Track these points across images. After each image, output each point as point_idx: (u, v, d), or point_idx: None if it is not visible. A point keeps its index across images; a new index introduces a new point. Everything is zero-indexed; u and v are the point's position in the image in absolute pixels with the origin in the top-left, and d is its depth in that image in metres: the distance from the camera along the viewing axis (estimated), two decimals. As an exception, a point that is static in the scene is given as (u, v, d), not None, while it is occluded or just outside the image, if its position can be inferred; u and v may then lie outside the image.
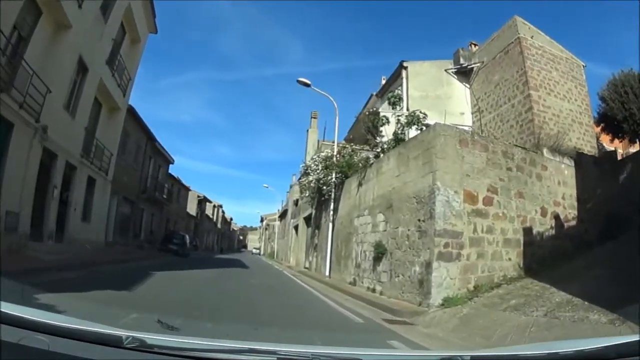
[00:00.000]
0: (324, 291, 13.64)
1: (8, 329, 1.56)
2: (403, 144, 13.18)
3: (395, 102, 15.33)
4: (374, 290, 12.99)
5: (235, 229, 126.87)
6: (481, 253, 10.52)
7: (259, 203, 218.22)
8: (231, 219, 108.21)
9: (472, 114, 24.72)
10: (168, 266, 17.66)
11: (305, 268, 27.70)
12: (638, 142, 16.86)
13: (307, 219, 29.37)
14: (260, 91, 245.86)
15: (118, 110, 23.06)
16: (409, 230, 11.47)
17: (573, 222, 12.78)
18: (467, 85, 25.50)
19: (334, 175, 18.82)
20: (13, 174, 12.81)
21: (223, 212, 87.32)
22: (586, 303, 7.08)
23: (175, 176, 45.65)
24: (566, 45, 23.63)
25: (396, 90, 15.53)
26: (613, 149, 22.88)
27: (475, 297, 9.42)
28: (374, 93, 30.01)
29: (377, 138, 15.71)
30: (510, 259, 10.95)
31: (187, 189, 49.01)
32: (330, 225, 18.61)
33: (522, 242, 11.31)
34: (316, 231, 23.66)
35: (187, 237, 33.36)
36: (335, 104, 21.48)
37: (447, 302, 9.23)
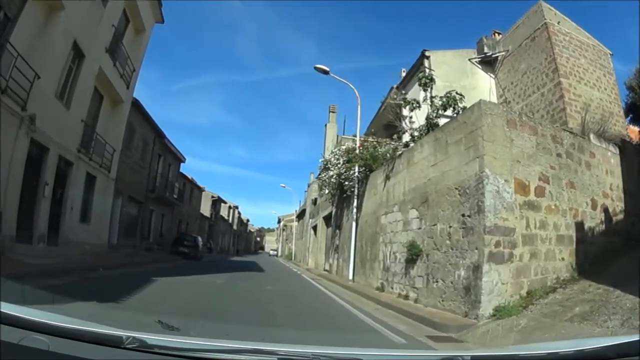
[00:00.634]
0: (348, 298, 12.00)
1: (8, 329, 1.57)
2: (440, 127, 11.50)
3: (426, 84, 13.61)
4: (406, 297, 11.39)
5: (252, 230, 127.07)
6: (534, 252, 9.22)
7: (276, 204, 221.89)
8: (248, 221, 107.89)
9: (499, 105, 23.01)
10: (174, 271, 16.21)
11: (325, 271, 26.12)
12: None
13: (327, 219, 27.81)
14: (275, 92, 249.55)
15: (121, 104, 21.71)
16: (450, 227, 9.84)
17: (621, 216, 11.77)
18: (492, 75, 24.09)
19: (356, 169, 17.18)
20: (-6, 169, 11.45)
21: (239, 213, 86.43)
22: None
23: (189, 177, 44.52)
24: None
25: (427, 70, 13.77)
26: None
27: (531, 305, 8.25)
28: (395, 86, 28.71)
29: (407, 125, 14.03)
30: (563, 259, 9.77)
31: (201, 189, 47.72)
32: (354, 224, 16.97)
33: (574, 239, 10.16)
34: (337, 231, 22.02)
35: (199, 239, 31.94)
36: (357, 92, 19.91)
37: (499, 312, 7.95)
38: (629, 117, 20.92)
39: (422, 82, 13.57)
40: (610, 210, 11.46)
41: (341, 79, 20.39)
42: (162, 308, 7.43)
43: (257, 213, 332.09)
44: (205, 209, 51.04)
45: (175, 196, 32.69)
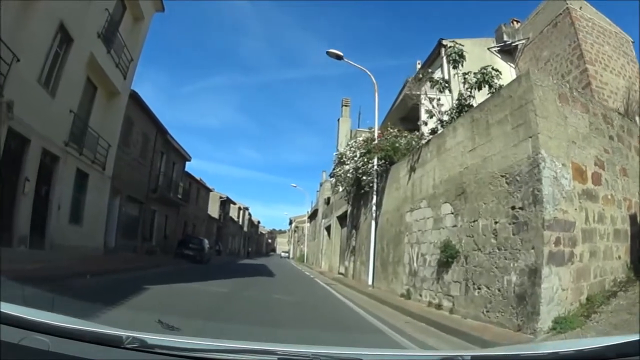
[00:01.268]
0: (372, 309, 10.37)
1: (8, 329, 1.58)
2: (477, 106, 9.87)
3: (455, 60, 11.97)
4: (439, 307, 9.83)
5: (264, 232, 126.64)
6: (593, 251, 8.05)
7: (287, 206, 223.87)
8: (259, 222, 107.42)
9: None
10: (174, 276, 14.74)
11: (340, 274, 24.52)
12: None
13: (342, 218, 26.23)
14: (285, 94, 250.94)
15: (117, 95, 20.31)
16: (496, 223, 8.28)
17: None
18: (512, 65, 22.59)
19: (375, 161, 15.58)
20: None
21: (250, 214, 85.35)
22: None
23: (198, 178, 43.20)
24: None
25: (456, 45, 12.13)
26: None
27: (594, 314, 7.14)
28: (409, 78, 27.25)
29: (435, 108, 12.38)
30: (619, 257, 8.73)
31: (208, 189, 46.31)
32: (373, 223, 15.34)
33: (629, 233, 9.08)
34: (353, 231, 20.41)
35: (206, 241, 30.41)
36: (373, 79, 18.33)
37: (559, 325, 6.70)
38: None
39: (452, 57, 11.93)
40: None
41: (356, 65, 18.82)
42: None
43: (268, 215, 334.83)
44: (214, 210, 49.65)
45: (179, 196, 31.26)
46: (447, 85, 12.32)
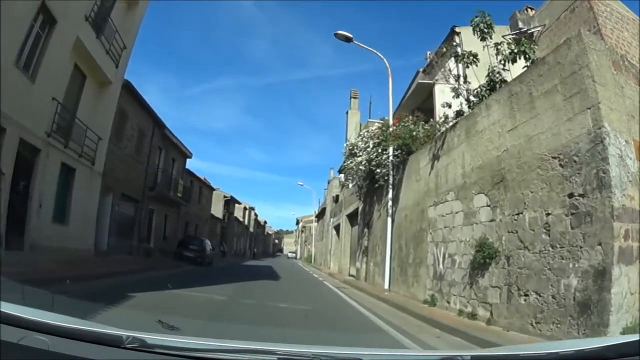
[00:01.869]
0: (392, 318, 8.94)
1: (8, 329, 1.58)
2: (516, 78, 8.45)
3: (483, 31, 10.56)
4: (473, 316, 8.48)
5: (270, 232, 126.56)
6: None
7: (294, 206, 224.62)
8: (265, 222, 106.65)
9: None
10: (168, 281, 13.37)
11: (351, 276, 23.13)
12: None
13: (352, 216, 24.84)
14: (292, 95, 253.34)
15: (109, 85, 18.95)
16: (548, 215, 6.92)
17: None
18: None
19: (391, 151, 14.17)
20: None
21: (256, 214, 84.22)
22: None
23: (203, 178, 41.94)
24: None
25: (486, 16, 10.72)
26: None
27: None
28: (420, 69, 26.23)
29: (462, 87, 10.95)
30: None
31: (211, 188, 44.96)
32: (389, 220, 13.92)
33: None
34: (365, 230, 19.01)
35: (207, 242, 29.04)
36: (386, 62, 16.90)
37: None
38: None
39: (480, 28, 10.52)
40: None
41: (366, 47, 17.40)
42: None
43: (275, 215, 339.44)
44: (217, 210, 48.34)
45: (179, 195, 29.86)
46: (475, 59, 10.87)
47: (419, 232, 11.84)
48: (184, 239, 28.14)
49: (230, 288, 12.84)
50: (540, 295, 6.80)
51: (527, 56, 9.64)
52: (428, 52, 28.17)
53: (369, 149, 15.39)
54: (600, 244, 5.89)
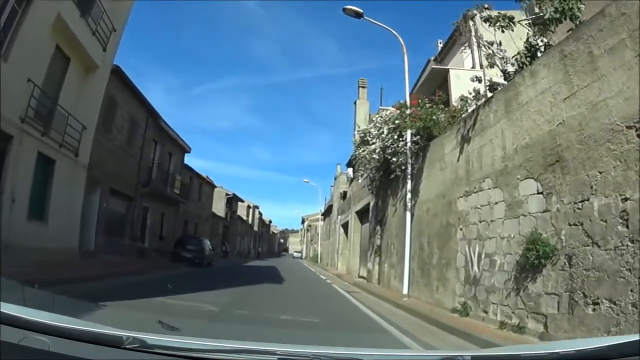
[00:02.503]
0: (421, 334, 7.33)
1: (8, 329, 1.59)
2: (570, 36, 6.91)
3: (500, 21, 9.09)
4: (520, 329, 6.98)
5: (275, 231, 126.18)
6: None
7: (299, 204, 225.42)
8: (270, 221, 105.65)
9: None
10: (157, 286, 11.94)
11: (361, 278, 21.60)
12: None
13: (362, 213, 23.30)
14: (297, 93, 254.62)
15: (95, 70, 17.49)
16: (624, 200, 5.49)
17: None
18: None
19: (409, 136, 12.60)
20: None
21: (260, 213, 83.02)
22: None
23: (204, 176, 40.49)
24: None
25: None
26: None
27: None
28: (431, 58, 24.95)
29: (497, 54, 9.37)
30: None
31: (212, 185, 43.39)
32: (407, 215, 12.34)
33: None
34: (378, 227, 17.44)
35: (206, 241, 27.46)
36: (401, 39, 15.34)
37: None
38: None
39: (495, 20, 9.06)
40: None
41: (378, 23, 15.89)
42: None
43: (280, 215, 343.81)
44: (219, 208, 46.85)
45: (177, 192, 28.38)
46: (511, 22, 9.28)
47: (446, 228, 10.27)
48: (181, 239, 26.55)
49: (226, 294, 11.29)
50: (615, 304, 5.27)
51: (572, 17, 8.04)
52: (439, 41, 26.82)
53: (383, 135, 13.81)
54: None
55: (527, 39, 8.97)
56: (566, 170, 6.44)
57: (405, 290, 11.84)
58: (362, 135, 15.62)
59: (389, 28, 15.73)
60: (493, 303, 7.95)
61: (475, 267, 8.65)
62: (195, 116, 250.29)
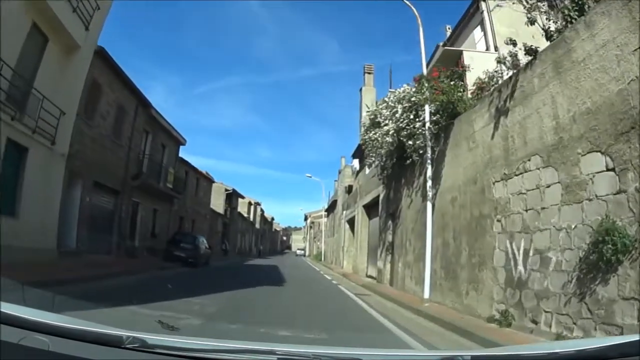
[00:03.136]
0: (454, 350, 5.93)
1: (8, 329, 1.60)
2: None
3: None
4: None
5: (278, 229, 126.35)
6: None
7: (302, 202, 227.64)
8: (272, 219, 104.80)
9: None
10: (138, 291, 10.56)
11: (370, 277, 20.12)
12: None
13: (371, 206, 21.78)
14: (299, 92, 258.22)
15: (77, 50, 15.98)
16: None
17: None
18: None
19: (427, 114, 11.06)
20: None
21: (262, 210, 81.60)
22: None
23: (204, 172, 39.02)
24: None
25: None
26: None
27: None
28: (440, 43, 23.56)
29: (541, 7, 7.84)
30: None
31: (210, 180, 41.69)
32: (428, 206, 10.80)
33: None
34: (390, 222, 15.91)
35: (201, 239, 25.81)
36: (416, 12, 13.78)
37: None
38: None
39: None
40: None
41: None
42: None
43: (283, 212, 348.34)
44: (218, 204, 45.30)
45: (170, 185, 26.82)
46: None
47: (478, 220, 8.73)
48: (174, 236, 24.90)
49: (217, 301, 9.74)
50: None
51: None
52: (447, 26, 25.35)
53: (397, 115, 12.24)
54: None
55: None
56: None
57: (426, 294, 10.27)
58: (372, 116, 14.03)
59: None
60: (546, 311, 6.44)
61: (521, 267, 7.12)
62: (198, 115, 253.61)
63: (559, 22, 7.76)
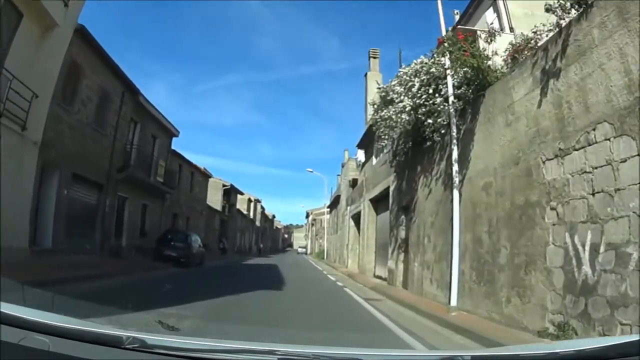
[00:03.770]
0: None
1: (8, 329, 1.62)
2: None
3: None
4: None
5: (279, 227, 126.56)
6: None
7: (304, 199, 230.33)
8: (274, 216, 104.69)
9: None
10: (109, 298, 9.09)
11: (378, 278, 18.65)
12: None
13: (379, 200, 20.26)
14: (300, 89, 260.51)
15: (54, 29, 14.56)
16: None
17: None
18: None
19: (450, 87, 9.56)
20: None
21: (263, 207, 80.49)
22: None
23: (202, 168, 37.57)
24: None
25: None
26: None
27: None
28: (450, 29, 22.28)
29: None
30: None
31: (206, 175, 39.87)
32: (455, 195, 9.26)
33: None
34: (402, 216, 14.39)
35: (195, 237, 24.38)
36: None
37: None
38: None
39: None
40: None
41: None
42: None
43: (285, 210, 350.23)
44: (215, 200, 43.81)
45: (161, 180, 25.30)
46: None
47: (524, 209, 7.18)
48: (164, 234, 23.26)
49: (198, 312, 8.20)
50: None
51: None
52: (455, 11, 23.91)
53: (413, 90, 10.69)
54: None
55: None
56: None
57: (453, 301, 8.73)
58: (384, 94, 12.46)
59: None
60: (623, 324, 4.95)
61: (587, 267, 5.61)
62: (199, 114, 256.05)
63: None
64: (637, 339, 1.65)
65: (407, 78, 11.10)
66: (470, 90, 9.45)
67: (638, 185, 4.96)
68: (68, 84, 16.48)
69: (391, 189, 16.30)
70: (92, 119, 18.41)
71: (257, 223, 75.40)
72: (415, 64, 11.21)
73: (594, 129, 5.73)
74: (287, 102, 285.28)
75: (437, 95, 10.21)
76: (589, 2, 6.23)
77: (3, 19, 12.38)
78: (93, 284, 10.90)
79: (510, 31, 15.87)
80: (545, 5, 7.13)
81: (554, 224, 6.40)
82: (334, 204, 46.09)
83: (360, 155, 30.23)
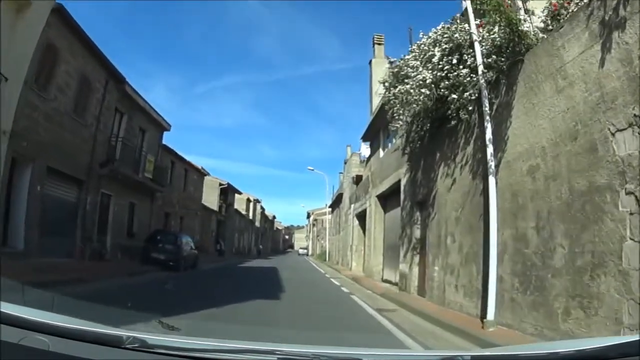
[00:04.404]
0: None
1: (8, 329, 1.62)
2: None
3: None
4: None
5: (280, 228, 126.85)
6: None
7: (304, 200, 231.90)
8: (274, 217, 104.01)
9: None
10: (79, 309, 7.65)
11: (388, 282, 17.28)
12: None
13: (387, 196, 18.94)
14: (301, 90, 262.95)
15: (27, 7, 13.31)
16: None
17: None
18: None
19: (479, 55, 8.20)
20: None
21: (262, 208, 79.64)
22: None
23: (199, 167, 36.34)
24: None
25: None
26: None
27: None
28: (456, 16, 21.21)
29: None
30: None
31: (201, 173, 38.34)
32: (491, 182, 7.80)
33: None
34: (417, 212, 12.98)
35: (187, 238, 23.15)
36: None
37: None
38: None
39: None
40: None
41: None
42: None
43: (286, 211, 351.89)
44: (212, 200, 42.43)
45: (150, 176, 23.88)
46: None
47: (587, 195, 5.72)
48: (153, 235, 21.92)
49: (184, 325, 6.84)
50: None
51: None
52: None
53: (434, 60, 9.27)
54: None
55: None
56: None
57: (490, 314, 7.29)
58: (397, 70, 11.02)
59: None
60: None
61: None
62: (199, 115, 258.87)
63: None
64: (637, 339, 1.62)
65: (426, 48, 9.72)
66: (504, 58, 8.07)
67: None
68: (43, 67, 15.11)
69: (403, 182, 14.88)
70: (71, 107, 16.99)
71: (257, 224, 74.30)
72: (435, 32, 9.82)
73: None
74: (287, 102, 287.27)
75: (461, 66, 8.83)
76: None
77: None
78: (61, 289, 9.52)
79: (525, 12, 14.69)
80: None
81: (631, 213, 4.95)
82: (336, 203, 44.86)
83: (365, 150, 28.95)
